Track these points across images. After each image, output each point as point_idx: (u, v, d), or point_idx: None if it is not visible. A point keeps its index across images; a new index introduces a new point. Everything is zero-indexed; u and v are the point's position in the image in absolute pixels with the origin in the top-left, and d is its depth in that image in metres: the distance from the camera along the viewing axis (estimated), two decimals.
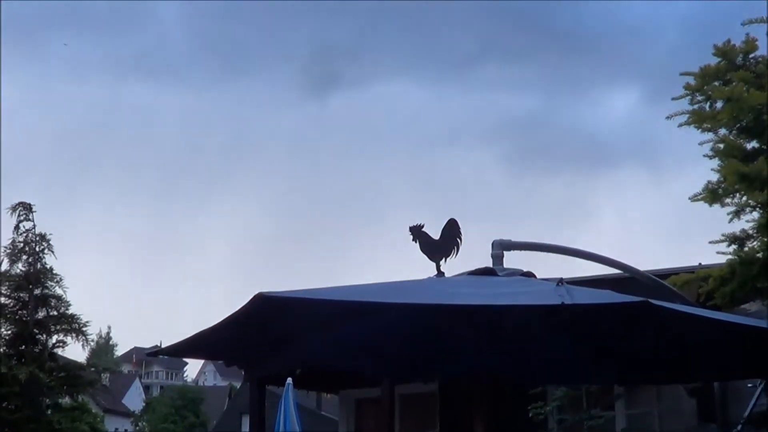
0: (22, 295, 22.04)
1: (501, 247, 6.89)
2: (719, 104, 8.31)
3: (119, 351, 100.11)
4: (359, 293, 5.43)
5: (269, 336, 6.06)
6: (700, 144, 8.43)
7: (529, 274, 6.37)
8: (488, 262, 6.98)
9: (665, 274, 9.15)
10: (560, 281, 5.36)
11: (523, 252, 7.47)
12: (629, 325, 6.02)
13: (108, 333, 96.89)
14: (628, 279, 9.10)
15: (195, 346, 6.23)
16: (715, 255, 8.54)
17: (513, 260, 7.47)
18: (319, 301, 5.28)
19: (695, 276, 8.61)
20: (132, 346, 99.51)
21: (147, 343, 65.03)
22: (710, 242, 8.40)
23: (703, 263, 9.62)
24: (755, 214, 8.07)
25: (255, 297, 4.90)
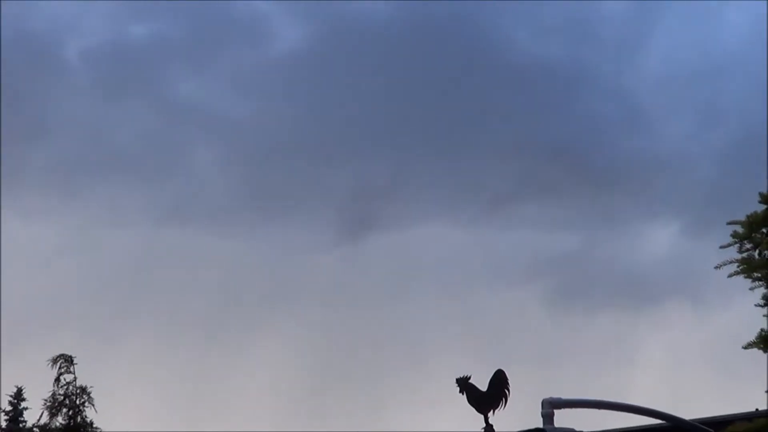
0: None
1: (551, 406, 6.71)
2: None
3: None
4: None
5: None
6: (750, 289, 8.27)
7: None
8: (535, 409, 6.81)
9: (721, 421, 8.91)
10: None
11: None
12: None
13: None
14: (682, 429, 8.82)
15: None
16: None
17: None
18: None
19: (753, 426, 8.33)
20: None
21: None
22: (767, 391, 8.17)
23: (759, 408, 9.38)
24: None
25: None
